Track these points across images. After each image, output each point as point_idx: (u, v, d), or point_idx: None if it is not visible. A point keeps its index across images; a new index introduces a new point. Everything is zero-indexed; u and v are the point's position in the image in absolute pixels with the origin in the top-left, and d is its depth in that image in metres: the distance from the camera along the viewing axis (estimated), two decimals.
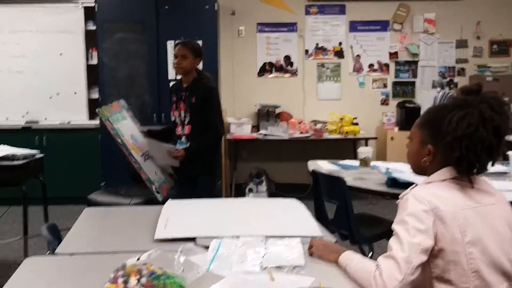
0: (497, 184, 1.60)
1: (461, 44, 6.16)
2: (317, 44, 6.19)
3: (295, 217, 2.13)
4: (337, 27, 6.17)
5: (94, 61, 5.69)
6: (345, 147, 5.88)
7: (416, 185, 1.53)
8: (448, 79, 6.20)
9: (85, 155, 5.55)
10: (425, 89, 6.16)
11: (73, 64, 5.75)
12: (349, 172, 3.20)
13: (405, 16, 6.13)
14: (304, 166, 3.51)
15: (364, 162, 3.27)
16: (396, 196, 1.57)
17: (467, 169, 1.46)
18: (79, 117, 5.77)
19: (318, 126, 5.86)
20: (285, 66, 6.21)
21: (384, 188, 2.74)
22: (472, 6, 6.08)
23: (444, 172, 1.50)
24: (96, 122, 5.56)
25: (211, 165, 3.40)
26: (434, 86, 6.18)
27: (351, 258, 1.52)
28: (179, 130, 3.37)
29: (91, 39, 5.68)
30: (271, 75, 6.22)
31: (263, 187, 5.69)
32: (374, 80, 6.23)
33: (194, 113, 3.29)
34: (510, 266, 1.44)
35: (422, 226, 1.38)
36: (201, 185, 3.34)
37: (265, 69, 6.21)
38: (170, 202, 2.31)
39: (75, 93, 5.77)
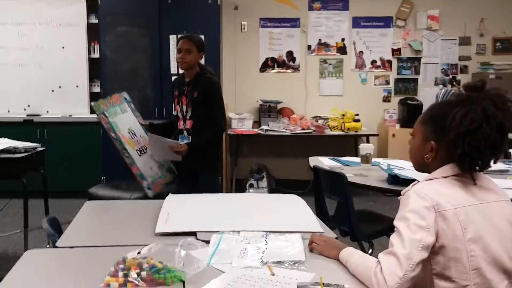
0: (498, 182, 1.60)
1: (464, 41, 6.14)
2: (319, 39, 6.18)
3: (296, 212, 2.12)
4: (340, 23, 6.16)
5: (96, 54, 5.69)
6: (346, 144, 5.88)
7: (418, 181, 1.53)
8: (450, 76, 6.18)
9: (86, 149, 5.55)
10: (427, 86, 6.15)
11: (75, 58, 5.74)
12: (350, 168, 3.19)
13: (409, 13, 6.11)
14: (305, 162, 3.51)
15: (366, 159, 3.26)
16: (397, 193, 1.56)
17: (469, 166, 1.46)
18: (81, 111, 5.77)
19: (320, 122, 5.86)
20: (288, 62, 6.20)
21: (385, 185, 2.74)
22: (475, 3, 6.06)
23: (446, 169, 1.49)
24: None
25: (212, 160, 3.40)
26: (436, 83, 6.17)
27: (351, 254, 1.52)
28: (180, 125, 3.36)
29: (93, 33, 5.67)
30: (273, 71, 6.21)
31: (264, 182, 5.69)
32: (376, 77, 6.22)
33: (196, 107, 3.29)
34: (511, 264, 1.44)
35: (424, 223, 1.38)
36: (202, 180, 3.33)
37: (267, 65, 6.20)
38: (171, 197, 2.31)
39: (77, 86, 5.77)
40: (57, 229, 1.97)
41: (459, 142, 1.42)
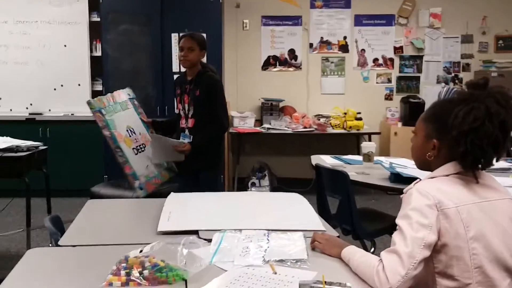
0: (500, 180, 1.59)
1: (467, 39, 6.12)
2: (321, 37, 6.17)
3: (298, 211, 2.12)
4: (342, 21, 6.14)
5: (98, 52, 5.69)
6: (348, 142, 5.88)
7: (420, 179, 1.52)
8: (453, 74, 6.17)
9: (88, 147, 5.55)
10: (429, 84, 6.14)
11: (77, 56, 5.74)
12: (352, 167, 3.19)
13: (411, 10, 6.10)
14: (307, 160, 3.50)
15: (368, 157, 3.26)
16: (399, 191, 1.56)
17: (472, 164, 1.45)
18: (83, 109, 5.70)
19: (322, 120, 5.85)
20: (289, 60, 6.19)
21: (387, 183, 2.73)
22: (478, 1, 6.05)
23: (449, 167, 1.49)
24: None
25: (214, 158, 3.39)
26: (438, 81, 6.16)
27: (353, 252, 1.52)
28: (182, 123, 3.36)
29: (95, 31, 5.67)
30: (275, 69, 6.21)
31: (266, 181, 5.69)
32: (378, 75, 6.21)
33: (198, 106, 3.28)
34: None
35: (426, 221, 1.38)
36: (204, 178, 3.33)
37: (269, 63, 6.20)
38: (173, 195, 2.31)
39: (79, 84, 5.77)
40: (60, 227, 1.98)
41: (461, 140, 1.42)
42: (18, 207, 4.50)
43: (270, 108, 5.99)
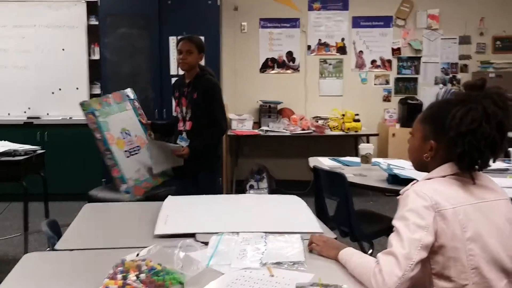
0: (497, 181, 1.59)
1: (465, 40, 6.13)
2: (319, 40, 6.18)
3: (296, 213, 2.12)
4: (340, 23, 6.15)
5: (96, 56, 5.69)
6: (346, 144, 5.88)
7: (417, 181, 1.52)
8: (451, 75, 6.18)
9: (86, 151, 5.51)
10: (427, 86, 6.15)
11: (75, 59, 5.74)
12: (350, 168, 3.18)
13: (409, 12, 6.11)
14: (305, 162, 3.50)
15: (365, 159, 3.25)
16: (397, 193, 1.55)
17: (469, 165, 1.45)
18: (81, 113, 5.72)
19: (320, 122, 5.85)
20: (288, 62, 6.20)
21: (385, 185, 2.73)
22: (476, 2, 6.06)
23: (446, 168, 1.49)
24: None
25: (212, 161, 3.39)
26: (436, 83, 6.17)
27: (351, 254, 1.51)
28: (180, 126, 3.36)
29: (93, 34, 5.67)
30: (273, 71, 6.21)
31: (264, 183, 5.69)
32: (376, 76, 6.22)
33: (195, 109, 3.28)
34: (510, 263, 1.43)
35: (423, 222, 1.37)
36: (202, 181, 3.33)
37: (267, 65, 6.20)
38: (170, 198, 2.30)
39: (77, 88, 5.77)
40: (57, 231, 1.97)
41: (459, 141, 1.42)
42: (16, 211, 4.48)
43: (268, 111, 5.99)
